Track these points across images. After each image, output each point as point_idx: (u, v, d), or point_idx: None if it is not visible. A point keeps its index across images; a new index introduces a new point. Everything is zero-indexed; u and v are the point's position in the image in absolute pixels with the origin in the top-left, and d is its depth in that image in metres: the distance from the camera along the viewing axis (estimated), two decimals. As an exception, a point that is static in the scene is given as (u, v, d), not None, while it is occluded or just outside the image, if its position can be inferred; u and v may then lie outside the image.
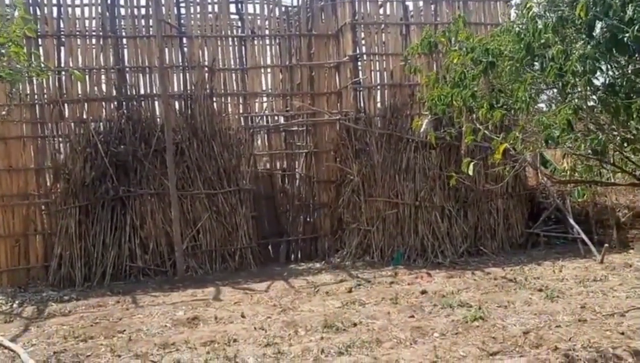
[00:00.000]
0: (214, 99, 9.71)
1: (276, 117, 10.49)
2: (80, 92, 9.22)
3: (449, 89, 4.20)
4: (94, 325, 6.43)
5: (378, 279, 8.07)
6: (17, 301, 7.87)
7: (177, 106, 9.53)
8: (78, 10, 9.34)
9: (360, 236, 9.59)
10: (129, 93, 9.36)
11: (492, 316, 5.94)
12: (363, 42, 10.17)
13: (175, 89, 9.56)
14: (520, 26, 3.76)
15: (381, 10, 10.27)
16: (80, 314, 7.00)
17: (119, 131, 9.15)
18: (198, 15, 9.82)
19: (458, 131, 6.91)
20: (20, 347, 5.69)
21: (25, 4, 8.52)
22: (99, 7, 9.34)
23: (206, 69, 9.63)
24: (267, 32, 10.35)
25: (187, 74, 9.61)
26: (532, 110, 3.87)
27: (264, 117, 10.48)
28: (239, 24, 10.40)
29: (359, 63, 9.92)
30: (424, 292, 7.11)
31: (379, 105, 9.95)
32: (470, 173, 4.04)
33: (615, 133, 3.39)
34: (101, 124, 9.23)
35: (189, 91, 9.54)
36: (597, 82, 3.43)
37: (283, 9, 10.49)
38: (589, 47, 3.17)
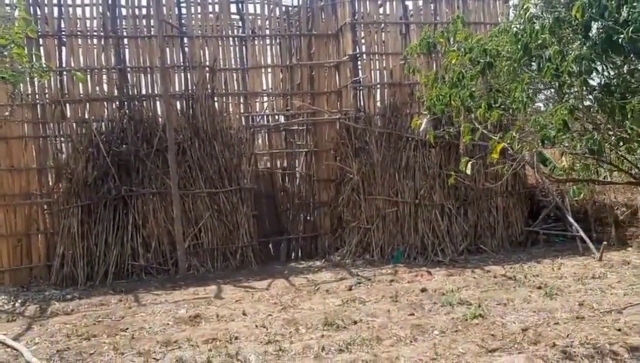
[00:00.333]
0: (215, 98, 9.76)
1: (277, 117, 10.55)
2: (82, 92, 9.26)
3: (448, 89, 4.25)
4: (97, 324, 6.49)
5: (378, 277, 8.12)
6: (19, 301, 7.92)
7: (178, 106, 9.58)
8: (79, 10, 9.39)
9: (360, 234, 9.65)
10: (130, 93, 9.40)
11: (492, 313, 5.99)
12: (363, 41, 10.21)
13: (177, 88, 9.60)
14: (518, 27, 3.81)
15: (381, 10, 10.32)
16: (83, 313, 7.06)
17: (120, 130, 9.20)
18: (199, 15, 9.86)
19: (457, 130, 6.94)
20: (23, 346, 5.74)
21: (25, 4, 8.59)
22: (100, 7, 9.39)
23: (207, 69, 9.68)
24: (267, 32, 10.40)
25: (189, 74, 9.66)
26: (530, 110, 3.93)
27: (265, 116, 10.53)
28: (240, 24, 10.45)
29: (359, 62, 9.97)
30: (424, 290, 7.17)
31: (378, 104, 10.00)
32: (469, 171, 4.09)
33: (611, 133, 3.45)
34: (103, 124, 9.28)
35: (190, 91, 9.59)
36: (593, 83, 3.48)
37: (283, 8, 10.53)
38: (584, 48, 3.22)
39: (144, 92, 9.49)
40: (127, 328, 6.20)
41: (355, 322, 5.95)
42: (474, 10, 10.23)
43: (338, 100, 10.33)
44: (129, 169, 9.15)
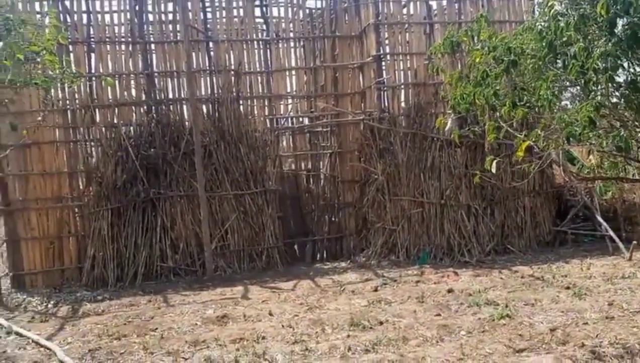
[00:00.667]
0: (240, 102, 9.86)
1: (301, 119, 10.61)
2: (110, 97, 9.44)
3: (472, 88, 4.24)
4: (127, 324, 6.62)
5: (404, 278, 8.12)
6: (52, 302, 8.11)
7: (204, 110, 9.69)
8: (107, 17, 9.58)
9: (385, 235, 9.64)
10: (157, 97, 9.55)
11: (519, 314, 5.95)
12: (387, 42, 10.21)
13: (203, 92, 9.72)
14: (543, 24, 3.79)
15: (404, 10, 10.31)
16: (113, 313, 7.20)
17: (149, 134, 9.35)
18: (224, 20, 9.98)
19: (482, 129, 6.91)
20: (56, 345, 5.89)
21: (56, 12, 8.79)
22: (128, 14, 9.56)
23: (232, 72, 9.78)
24: (291, 34, 10.49)
25: (214, 78, 9.77)
26: (555, 107, 3.90)
27: (289, 118, 10.61)
28: (264, 27, 10.54)
29: (383, 63, 9.97)
30: (450, 291, 7.14)
31: (403, 104, 9.98)
32: (494, 170, 4.08)
33: (639, 130, 3.41)
34: (131, 128, 9.44)
35: (216, 95, 9.70)
36: (619, 79, 3.44)
37: (307, 11, 10.59)
38: (610, 44, 3.20)
39: (170, 96, 9.63)
40: (157, 328, 6.31)
41: (381, 323, 5.96)
42: (498, 9, 10.15)
43: (362, 101, 10.34)
44: (157, 172, 9.29)
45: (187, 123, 9.58)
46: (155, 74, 9.62)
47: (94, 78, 9.39)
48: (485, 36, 4.37)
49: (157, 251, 9.16)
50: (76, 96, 9.34)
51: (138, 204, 9.17)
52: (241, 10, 10.08)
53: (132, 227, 9.14)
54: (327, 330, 5.84)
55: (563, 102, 4.28)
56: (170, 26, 9.78)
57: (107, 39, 9.50)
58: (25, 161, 9.05)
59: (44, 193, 9.18)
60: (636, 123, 3.53)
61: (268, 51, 10.22)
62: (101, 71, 9.34)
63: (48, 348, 5.82)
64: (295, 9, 10.45)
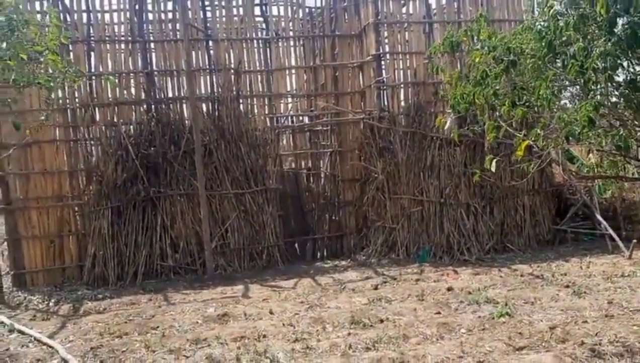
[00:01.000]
0: (241, 100, 9.86)
1: (301, 118, 10.63)
2: (110, 96, 9.45)
3: (472, 87, 4.26)
4: (128, 322, 6.64)
5: (404, 276, 8.14)
6: (53, 300, 8.13)
7: (204, 108, 9.70)
8: (107, 16, 9.58)
9: (385, 233, 9.67)
10: (157, 96, 9.57)
11: (519, 312, 5.98)
12: (386, 41, 10.23)
13: (203, 91, 9.73)
14: (542, 24, 3.80)
15: (404, 9, 10.33)
16: (114, 312, 7.22)
17: (148, 133, 9.37)
18: (224, 19, 9.99)
19: (482, 128, 6.93)
20: (58, 343, 5.91)
21: (56, 11, 8.80)
22: (128, 13, 9.57)
23: (232, 71, 9.79)
24: (291, 33, 10.49)
25: (214, 77, 9.78)
26: (555, 107, 3.92)
27: (289, 117, 10.62)
28: (264, 26, 10.55)
29: (383, 62, 9.99)
30: (450, 289, 7.17)
31: (402, 103, 10.00)
32: (493, 169, 4.10)
33: (638, 129, 3.42)
34: (131, 127, 9.46)
35: (216, 93, 9.71)
36: (618, 79, 3.46)
37: (307, 10, 10.60)
38: (609, 44, 3.21)
39: (170, 95, 9.64)
40: (158, 327, 6.34)
41: (381, 321, 5.98)
42: (497, 8, 10.17)
43: (362, 100, 10.37)
44: (157, 171, 9.31)
45: (187, 122, 9.60)
46: (155, 72, 9.63)
47: (93, 77, 9.41)
48: (484, 36, 4.39)
49: (157, 250, 9.18)
50: (76, 95, 9.35)
51: (138, 203, 9.19)
52: (241, 9, 10.08)
53: (132, 226, 9.16)
54: (328, 328, 5.87)
55: (562, 102, 4.29)
56: (170, 25, 9.78)
57: (107, 38, 9.51)
58: (26, 160, 9.06)
59: (44, 191, 9.19)
60: (635, 122, 3.55)
61: (268, 49, 10.23)
62: (101, 69, 9.35)
63: (50, 346, 5.84)
64: (295, 7, 10.46)
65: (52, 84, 5.20)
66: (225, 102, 9.65)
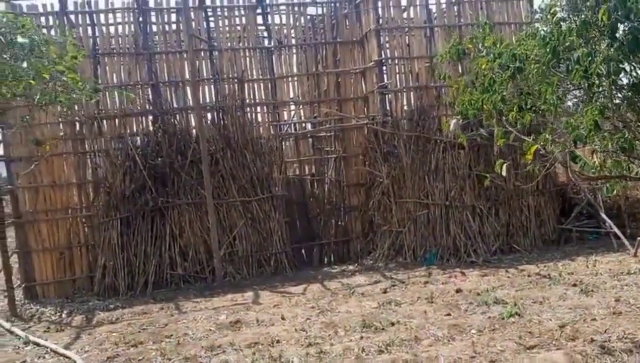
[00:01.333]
0: (245, 109, 9.97)
1: (303, 125, 10.73)
2: (117, 108, 9.56)
3: (479, 94, 4.37)
4: (142, 331, 6.73)
5: (412, 279, 8.22)
6: (65, 311, 8.23)
7: (210, 118, 9.81)
8: (112, 29, 9.70)
9: (391, 237, 9.75)
10: (163, 107, 9.67)
11: (528, 312, 6.05)
12: (387, 46, 10.33)
13: (208, 101, 9.84)
14: (545, 30, 3.90)
15: (405, 14, 10.43)
16: (127, 321, 7.31)
17: (155, 144, 9.47)
18: (227, 28, 10.10)
19: (487, 133, 7.03)
20: (75, 354, 6.00)
21: (61, 24, 8.93)
22: (132, 25, 9.69)
23: (236, 80, 9.90)
24: (293, 41, 10.59)
25: (219, 86, 9.89)
26: (560, 110, 4.01)
27: (293, 124, 10.73)
28: (266, 34, 10.67)
29: (385, 67, 10.11)
30: (458, 291, 7.24)
31: (405, 108, 10.11)
32: (504, 173, 4.20)
33: (641, 130, 3.52)
34: (138, 138, 9.57)
35: (220, 103, 9.81)
36: (621, 82, 3.55)
37: (308, 18, 10.71)
38: (612, 49, 3.31)
39: (176, 105, 9.75)
40: (172, 335, 6.42)
41: (392, 324, 6.06)
42: (497, 11, 10.29)
43: (365, 105, 10.47)
44: (165, 181, 9.41)
45: (193, 132, 9.71)
46: (161, 84, 9.74)
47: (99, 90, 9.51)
48: (489, 43, 4.49)
49: (166, 259, 9.28)
50: (83, 107, 9.43)
51: (147, 213, 9.29)
52: (243, 19, 10.20)
53: (141, 236, 9.26)
54: (340, 332, 5.95)
55: (566, 104, 4.38)
56: (174, 36, 9.90)
57: (113, 51, 9.61)
58: (35, 173, 9.15)
59: (53, 204, 9.29)
60: (639, 124, 3.64)
61: (271, 58, 10.34)
62: (107, 82, 9.46)
63: (67, 357, 5.93)
64: (296, 16, 10.57)
65: (73, 102, 5.33)
66: (230, 111, 9.76)
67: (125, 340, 6.39)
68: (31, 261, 9.19)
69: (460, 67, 9.43)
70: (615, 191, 5.09)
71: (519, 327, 5.58)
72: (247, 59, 10.14)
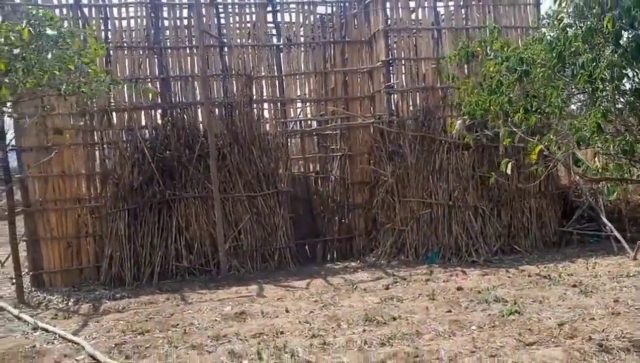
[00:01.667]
0: (253, 105, 10.10)
1: (310, 122, 10.86)
2: (127, 101, 9.70)
3: (487, 95, 4.50)
4: (149, 320, 6.86)
5: (414, 277, 8.35)
6: (72, 300, 8.35)
7: (218, 113, 9.94)
8: (124, 23, 9.82)
9: (394, 235, 9.88)
10: (173, 101, 9.80)
11: (528, 310, 6.18)
12: (395, 46, 10.45)
13: (216, 96, 9.97)
14: (552, 36, 4.03)
15: (413, 16, 10.55)
16: (133, 310, 7.44)
17: (164, 137, 9.61)
18: (237, 25, 10.23)
19: (492, 133, 7.14)
20: (83, 340, 6.13)
21: (74, 17, 9.06)
22: (144, 20, 9.82)
23: (245, 76, 10.03)
24: (302, 39, 10.71)
25: (228, 82, 10.02)
26: (564, 113, 4.14)
27: (300, 122, 10.86)
28: (275, 32, 10.79)
29: (392, 68, 10.23)
30: (459, 289, 7.37)
31: (411, 108, 10.23)
32: (509, 171, 4.33)
33: (643, 134, 3.65)
34: (147, 131, 9.70)
35: (229, 98, 9.94)
36: (624, 87, 3.68)
37: (317, 16, 10.83)
38: (616, 55, 3.43)
39: (185, 100, 9.88)
40: (178, 324, 6.55)
41: (394, 318, 6.19)
42: (504, 15, 10.41)
43: (371, 105, 10.59)
44: (173, 174, 9.55)
45: (201, 126, 9.85)
46: (171, 78, 9.87)
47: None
48: (497, 46, 4.62)
49: (172, 251, 9.41)
50: (94, 99, 9.54)
51: (154, 205, 9.43)
52: (254, 16, 10.33)
53: (148, 227, 9.39)
54: (343, 325, 6.08)
55: (570, 108, 4.51)
56: (185, 31, 10.03)
57: (125, 45, 9.74)
58: (45, 163, 9.28)
59: (62, 194, 9.42)
60: (640, 128, 3.77)
61: (279, 55, 10.47)
62: (118, 75, 9.58)
63: (76, 343, 6.05)
64: (306, 14, 10.68)
65: (93, 92, 5.48)
66: (239, 107, 9.89)
67: (132, 328, 6.53)
68: (39, 249, 9.33)
69: (466, 70, 9.55)
70: (616, 194, 5.22)
71: (519, 325, 5.70)
72: (256, 56, 10.26)
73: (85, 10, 9.61)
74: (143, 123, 9.76)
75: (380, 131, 10.10)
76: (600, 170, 4.87)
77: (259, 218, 9.84)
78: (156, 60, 9.82)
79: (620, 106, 3.81)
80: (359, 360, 4.99)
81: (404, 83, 10.31)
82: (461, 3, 10.42)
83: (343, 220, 10.64)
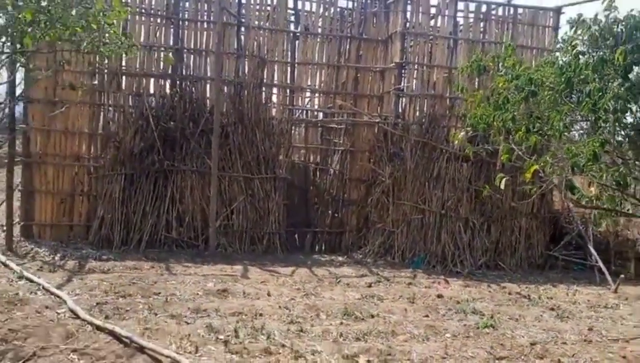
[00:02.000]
0: (263, 88, 10.14)
1: (316, 113, 10.91)
2: (138, 66, 9.73)
3: (492, 110, 4.57)
4: (132, 285, 6.95)
5: (397, 278, 8.45)
6: (59, 254, 8.46)
7: (226, 91, 9.98)
8: (145, -10, 9.84)
9: (384, 236, 9.98)
10: (184, 73, 9.84)
11: (503, 326, 6.29)
12: (410, 50, 10.49)
13: (227, 74, 10.00)
14: (564, 60, 4.10)
15: (432, 22, 10.59)
16: (118, 273, 7.54)
17: (170, 107, 9.65)
18: (257, 7, 10.26)
19: (493, 148, 7.21)
20: (66, 294, 6.21)
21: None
22: (165, -11, 9.84)
23: (259, 59, 10.06)
24: (319, 30, 10.74)
25: (240, 62, 10.06)
26: (565, 138, 4.22)
27: (306, 111, 10.92)
28: (294, 19, 10.82)
29: (404, 71, 10.29)
30: (440, 296, 7.48)
31: (417, 113, 10.28)
32: (502, 187, 4.41)
33: (638, 168, 3.72)
34: (154, 99, 9.74)
35: (240, 78, 9.98)
36: (627, 121, 3.76)
37: (338, 9, 10.85)
38: (622, 88, 3.51)
39: (196, 74, 9.91)
40: (160, 293, 6.65)
41: (372, 316, 6.30)
42: (522, 34, 10.46)
43: (379, 104, 10.65)
44: (174, 145, 9.60)
45: (208, 102, 9.89)
46: (185, 50, 9.90)
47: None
48: (509, 64, 4.69)
49: (163, 221, 9.47)
50: (106, 61, 9.58)
51: (151, 173, 9.48)
52: (275, 0, 10.35)
53: (142, 194, 9.45)
54: (322, 315, 6.19)
55: (571, 133, 4.59)
56: (205, 6, 10.04)
57: (143, 11, 9.76)
58: (49, 117, 9.32)
59: (63, 150, 9.46)
60: (637, 163, 3.85)
61: (295, 42, 10.52)
62: (134, 41, 9.58)
63: (58, 297, 6.15)
64: (327, 6, 10.70)
65: (115, 53, 5.56)
66: (248, 88, 9.93)
67: (115, 290, 6.63)
68: (33, 201, 9.39)
69: (477, 83, 9.61)
70: (605, 225, 5.33)
71: (492, 338, 5.81)
72: (272, 40, 10.29)
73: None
74: (151, 91, 9.78)
75: (384, 132, 10.17)
76: (593, 199, 4.96)
77: (253, 201, 9.91)
78: (172, 30, 9.85)
79: (620, 138, 3.89)
80: (333, 350, 5.09)
81: (414, 88, 10.36)
82: (480, 16, 10.46)
83: (336, 214, 10.71)
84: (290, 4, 10.58)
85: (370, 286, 7.87)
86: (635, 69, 3.55)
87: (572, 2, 10.34)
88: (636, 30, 3.51)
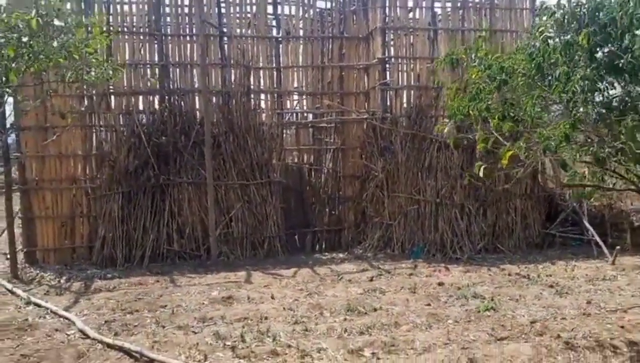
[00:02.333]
0: (250, 95, 10.27)
1: (305, 115, 11.05)
2: (126, 85, 9.85)
3: (467, 101, 4.71)
4: (138, 300, 7.08)
5: (398, 270, 8.59)
6: (64, 277, 8.57)
7: (215, 101, 10.10)
8: (126, 8, 9.95)
9: (382, 229, 10.12)
10: (171, 88, 9.96)
11: (503, 307, 6.43)
12: (392, 44, 10.62)
13: (214, 85, 10.13)
14: (533, 48, 4.24)
15: (410, 15, 10.72)
16: (124, 290, 7.66)
17: (161, 123, 9.78)
18: (237, 15, 10.38)
19: (473, 137, 7.32)
20: (74, 316, 6.35)
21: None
22: (146, 6, 9.94)
23: (243, 67, 10.19)
24: (301, 32, 10.86)
25: (226, 72, 10.18)
26: (539, 122, 4.36)
27: (296, 113, 11.05)
28: (274, 24, 10.94)
29: (387, 65, 10.42)
30: (440, 284, 7.62)
31: (404, 106, 10.43)
32: (481, 174, 4.55)
33: (611, 145, 3.85)
34: (144, 116, 9.86)
35: (226, 88, 10.11)
36: (598, 99, 3.89)
37: (317, 11, 10.98)
38: (589, 70, 3.64)
39: (183, 87, 10.03)
40: (166, 305, 6.78)
41: (375, 309, 6.44)
42: (500, 18, 10.59)
43: (366, 101, 10.79)
44: (168, 159, 9.73)
45: (198, 114, 10.02)
46: (170, 65, 10.02)
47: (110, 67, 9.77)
48: (482, 54, 4.82)
49: (164, 235, 9.60)
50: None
51: (148, 189, 9.61)
52: (254, 7, 10.46)
53: (141, 211, 9.58)
54: (326, 313, 6.32)
55: (549, 116, 4.72)
56: (186, 19, 10.16)
57: (126, 29, 9.88)
58: (42, 143, 9.43)
59: (59, 174, 9.59)
60: (610, 138, 3.98)
61: (278, 47, 10.64)
62: (118, 59, 9.73)
63: (67, 318, 6.28)
64: (305, 8, 10.83)
65: (96, 79, 5.67)
66: (236, 97, 10.06)
67: (121, 307, 6.75)
68: (34, 227, 9.51)
69: (459, 72, 9.73)
70: (592, 199, 5.46)
71: (493, 320, 5.96)
72: (255, 46, 10.42)
73: (89, -7, 9.73)
74: (141, 108, 9.91)
75: (373, 127, 10.30)
76: (584, 176, 5.10)
77: (250, 207, 10.04)
78: (156, 46, 9.97)
79: (594, 116, 4.02)
80: (338, 346, 5.23)
81: (399, 81, 10.50)
82: (458, 5, 10.58)
83: (333, 212, 10.86)
84: (270, 10, 10.71)
85: (371, 280, 8.00)
86: (600, 50, 3.68)
87: (547, -17, 10.46)
88: (597, 12, 3.64)
